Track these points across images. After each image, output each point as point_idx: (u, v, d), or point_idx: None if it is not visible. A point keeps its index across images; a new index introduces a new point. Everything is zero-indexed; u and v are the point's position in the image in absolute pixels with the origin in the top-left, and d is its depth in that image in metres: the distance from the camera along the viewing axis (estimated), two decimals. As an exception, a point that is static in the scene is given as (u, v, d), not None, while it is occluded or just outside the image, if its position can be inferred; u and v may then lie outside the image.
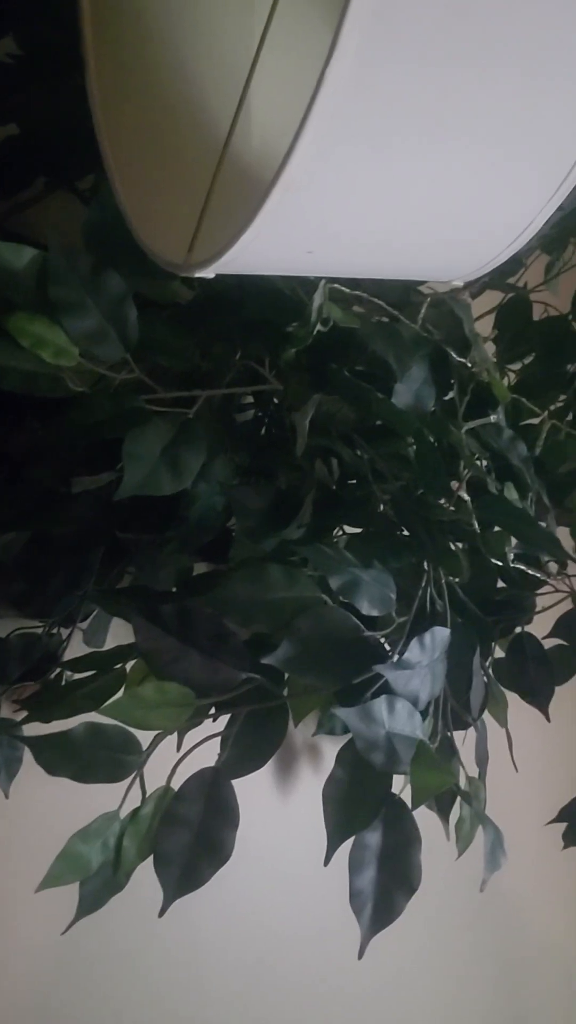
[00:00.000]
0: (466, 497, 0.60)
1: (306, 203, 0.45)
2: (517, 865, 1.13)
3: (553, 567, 0.76)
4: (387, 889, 0.48)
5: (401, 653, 0.51)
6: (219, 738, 0.56)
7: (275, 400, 0.68)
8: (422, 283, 0.76)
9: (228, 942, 0.88)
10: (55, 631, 0.75)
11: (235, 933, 0.88)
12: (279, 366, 0.63)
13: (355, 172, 0.44)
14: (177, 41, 0.59)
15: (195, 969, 0.86)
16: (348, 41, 0.39)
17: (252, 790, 0.93)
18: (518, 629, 0.77)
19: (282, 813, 0.90)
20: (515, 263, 0.89)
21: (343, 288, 0.66)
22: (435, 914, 1.05)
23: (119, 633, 0.77)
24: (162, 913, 0.49)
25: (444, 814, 0.60)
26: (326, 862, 0.49)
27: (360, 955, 0.47)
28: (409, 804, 0.50)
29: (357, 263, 0.54)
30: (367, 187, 0.45)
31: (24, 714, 0.66)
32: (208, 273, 0.49)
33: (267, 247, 0.47)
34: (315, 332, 0.62)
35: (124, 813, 0.50)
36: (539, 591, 0.78)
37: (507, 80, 0.44)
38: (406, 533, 0.66)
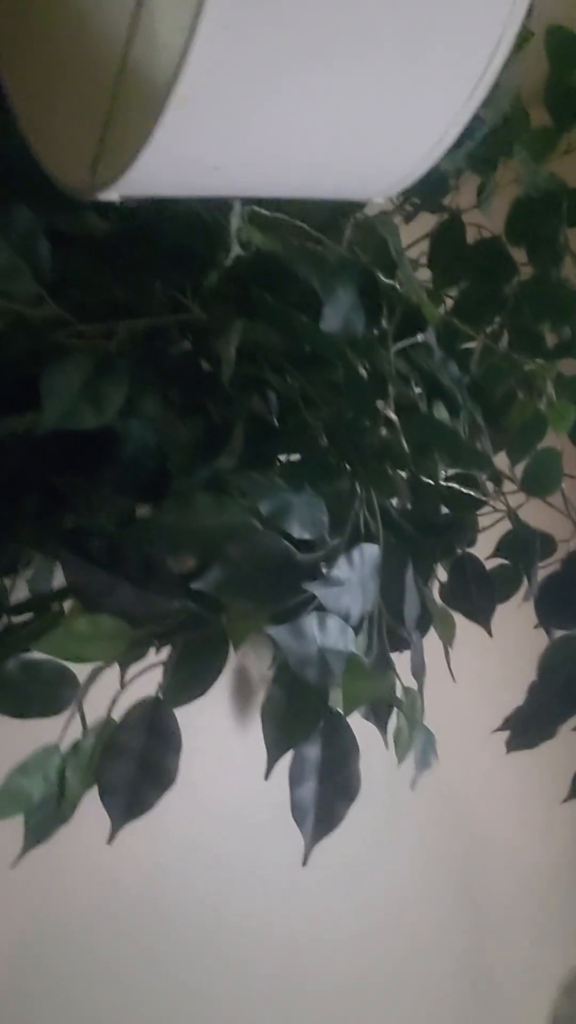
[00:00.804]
0: (394, 418, 0.60)
1: (204, 117, 0.44)
2: (464, 773, 1.17)
3: (490, 487, 0.77)
4: (328, 799, 0.50)
5: (331, 570, 0.51)
6: (162, 669, 0.56)
7: (203, 331, 0.67)
8: (347, 206, 0.75)
9: (185, 870, 0.90)
10: (-1, 580, 0.75)
11: (192, 860, 0.90)
12: (202, 294, 0.62)
13: (252, 83, 0.43)
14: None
15: (152, 898, 0.88)
16: None
17: (211, 725, 0.94)
18: (460, 551, 0.78)
19: (241, 746, 0.92)
20: (444, 184, 0.88)
21: (264, 212, 0.65)
22: (386, 825, 1.08)
23: (63, 578, 0.77)
24: (111, 839, 0.50)
25: (382, 724, 0.61)
26: (266, 776, 0.50)
27: (304, 861, 0.49)
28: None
29: (268, 181, 0.53)
30: (266, 98, 0.44)
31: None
32: (113, 195, 0.48)
33: (170, 164, 0.46)
34: (235, 256, 0.61)
35: (66, 746, 0.51)
36: (479, 512, 0.79)
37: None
38: (341, 459, 0.67)
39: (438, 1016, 1.20)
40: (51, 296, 0.56)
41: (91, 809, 0.53)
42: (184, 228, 0.62)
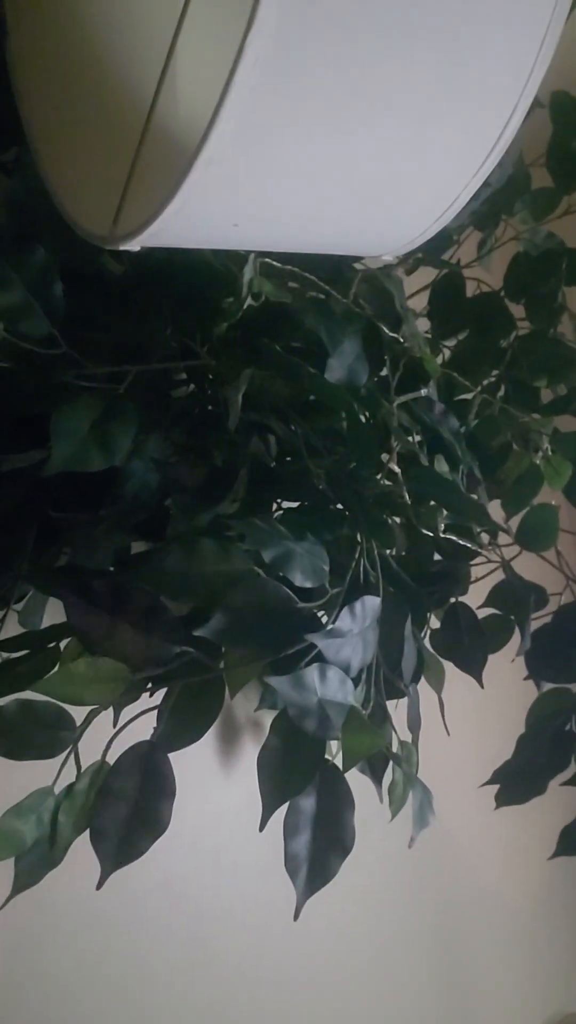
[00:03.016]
0: (397, 470, 0.60)
1: (228, 177, 0.45)
2: (453, 826, 1.17)
3: (485, 538, 0.78)
4: (321, 851, 0.50)
5: (333, 622, 0.52)
6: (156, 712, 0.56)
7: (209, 376, 0.68)
8: (355, 259, 0.77)
9: (169, 913, 0.89)
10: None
11: (176, 904, 0.89)
12: (211, 341, 0.63)
13: (276, 146, 0.45)
14: (100, 10, 0.58)
15: (136, 941, 0.86)
16: (267, 15, 0.39)
17: (195, 765, 0.93)
18: (453, 600, 0.79)
19: (225, 787, 0.91)
20: (447, 239, 0.90)
21: (274, 262, 0.66)
22: (374, 877, 1.07)
23: (55, 613, 0.76)
24: (100, 885, 0.49)
25: (377, 778, 0.61)
26: (261, 827, 0.50)
27: (296, 916, 0.49)
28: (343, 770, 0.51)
29: (284, 237, 0.54)
30: (289, 161, 0.46)
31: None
32: (133, 246, 0.49)
33: (191, 220, 0.47)
34: (246, 306, 0.62)
35: (60, 789, 0.50)
36: (473, 562, 0.80)
37: (426, 57, 0.45)
38: (341, 507, 0.67)
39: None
40: (62, 336, 0.57)
41: (77, 848, 0.52)
42: (197, 276, 0.63)
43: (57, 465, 0.52)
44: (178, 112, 0.54)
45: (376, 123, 0.47)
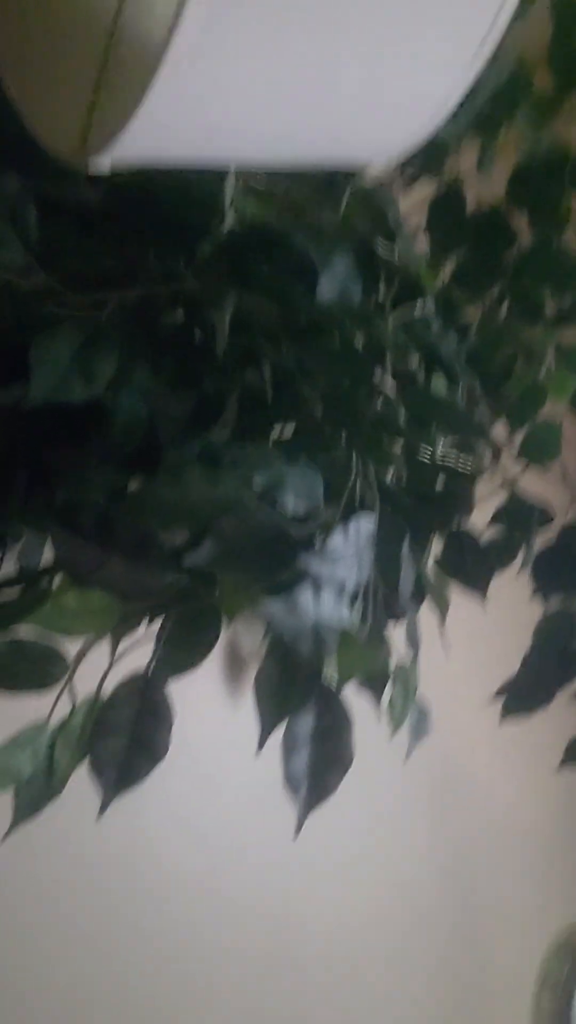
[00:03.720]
0: (391, 390, 0.59)
1: (196, 81, 0.42)
2: (462, 741, 1.18)
3: (487, 457, 0.76)
4: (320, 769, 0.50)
5: (325, 544, 0.51)
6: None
7: (196, 301, 0.66)
8: (344, 174, 0.74)
9: (176, 843, 0.91)
10: (-14, 555, 0.75)
11: (183, 834, 0.91)
12: (195, 265, 0.61)
13: (245, 45, 0.42)
14: None
15: (141, 873, 0.89)
16: None
17: (202, 697, 0.95)
18: (457, 521, 0.78)
19: (233, 718, 0.92)
20: (443, 149, 0.86)
21: (259, 182, 0.63)
22: (383, 795, 1.09)
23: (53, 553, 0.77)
24: (100, 814, 0.50)
25: (376, 696, 0.61)
26: (259, 748, 0.50)
27: (296, 833, 0.49)
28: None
29: (263, 148, 0.51)
30: (259, 61, 0.43)
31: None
32: (104, 162, 0.47)
33: (161, 130, 0.45)
34: (231, 227, 0.60)
35: (56, 722, 0.51)
36: (478, 482, 0.79)
37: None
38: (337, 431, 0.66)
39: (433, 976, 1.22)
40: (41, 266, 0.55)
41: (79, 780, 0.53)
42: (177, 198, 0.61)
43: (39, 395, 0.51)
44: (144, 17, 0.51)
45: (355, 17, 0.45)
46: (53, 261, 0.57)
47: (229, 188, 0.56)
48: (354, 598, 0.53)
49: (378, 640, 0.57)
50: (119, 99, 0.48)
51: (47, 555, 0.77)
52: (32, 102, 0.54)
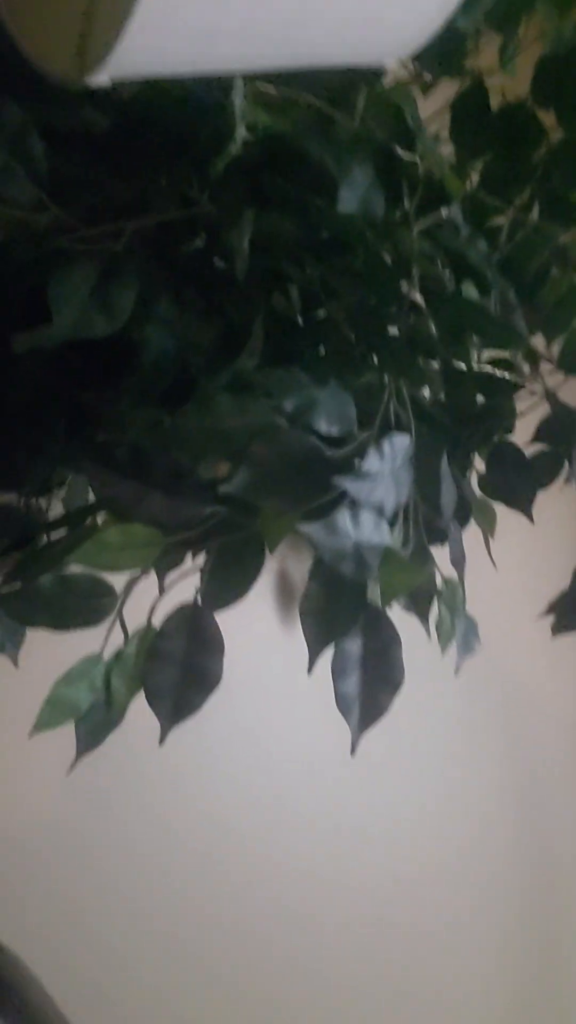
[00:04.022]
0: (420, 301, 0.57)
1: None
2: (513, 657, 1.18)
3: (526, 369, 0.74)
4: (372, 689, 0.50)
5: (361, 464, 0.50)
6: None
7: (214, 226, 0.64)
8: (359, 78, 0.70)
9: (244, 767, 0.93)
10: (33, 501, 0.75)
11: (252, 756, 0.93)
12: (210, 186, 0.59)
13: None
14: None
15: (204, 797, 0.91)
16: None
17: (256, 627, 0.95)
18: (498, 438, 0.76)
19: (288, 645, 0.93)
20: (461, 44, 0.81)
21: (269, 89, 0.61)
22: (439, 714, 1.10)
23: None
24: (162, 741, 0.51)
25: (423, 615, 0.61)
26: (309, 670, 0.51)
27: (352, 751, 0.50)
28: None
29: (266, 48, 0.49)
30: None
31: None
32: (103, 78, 0.45)
33: (159, 35, 0.42)
34: (242, 141, 0.57)
35: (109, 655, 0.51)
36: (517, 396, 0.76)
37: None
38: (368, 351, 0.64)
39: (500, 896, 1.24)
40: (52, 200, 0.54)
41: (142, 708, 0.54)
42: (186, 115, 0.58)
43: (60, 333, 0.50)
44: None
45: None
46: (64, 195, 0.56)
47: (237, 98, 0.53)
48: (395, 519, 0.53)
49: (422, 559, 0.56)
50: (113, 7, 0.46)
51: (91, 498, 0.77)
52: (25, 23, 0.52)
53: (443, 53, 0.78)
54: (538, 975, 1.26)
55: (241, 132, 0.55)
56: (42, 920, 0.83)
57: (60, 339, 0.50)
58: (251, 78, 0.59)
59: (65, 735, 0.54)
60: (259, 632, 0.93)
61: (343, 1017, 1.06)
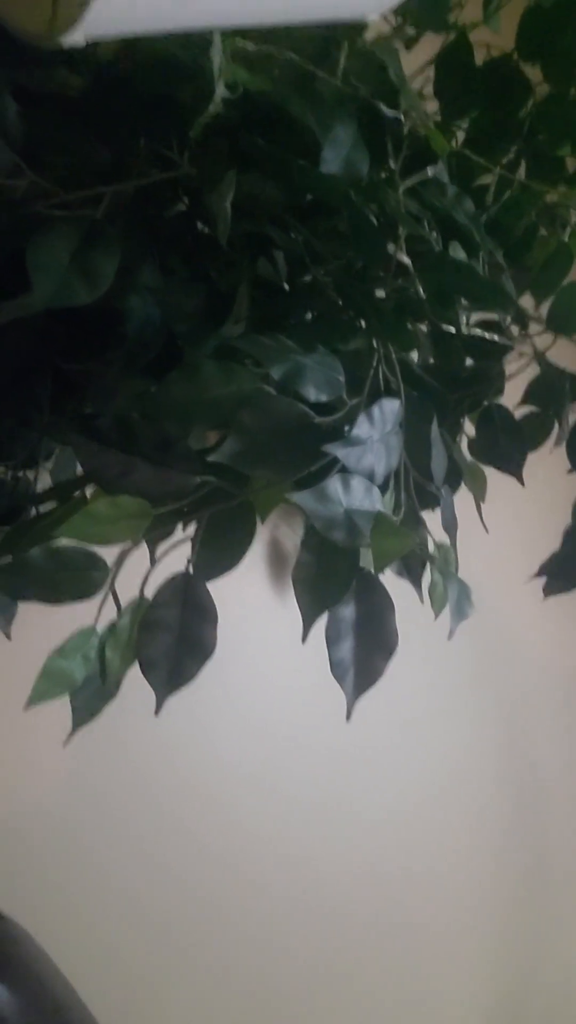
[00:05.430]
0: (407, 262, 0.56)
1: None
2: (506, 620, 1.19)
3: (515, 331, 0.73)
4: (366, 654, 0.50)
5: (350, 430, 0.50)
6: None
7: (195, 189, 0.63)
8: (341, 34, 0.68)
9: (238, 739, 0.93)
10: (21, 474, 0.74)
11: (238, 726, 0.93)
12: (189, 148, 0.58)
13: None
14: None
15: (197, 767, 0.91)
16: None
17: (249, 595, 0.96)
18: (487, 402, 0.76)
19: (280, 614, 0.93)
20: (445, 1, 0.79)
21: (249, 45, 0.59)
22: (435, 676, 1.11)
23: (84, 465, 0.76)
24: (157, 711, 0.51)
25: (416, 580, 0.61)
26: (303, 639, 0.50)
27: (347, 717, 0.50)
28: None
29: (248, 3, 0.47)
30: None
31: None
32: (78, 37, 0.43)
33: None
34: (221, 101, 0.56)
35: (103, 627, 0.51)
36: (506, 359, 0.76)
37: None
38: (355, 316, 0.63)
39: (494, 855, 1.26)
40: (28, 165, 0.52)
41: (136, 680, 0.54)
42: (163, 75, 0.57)
43: (41, 301, 0.49)
44: None
45: None
46: (40, 159, 0.54)
47: (216, 56, 0.52)
48: (386, 485, 0.52)
49: (413, 524, 0.56)
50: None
51: (79, 470, 0.77)
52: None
53: (425, 6, 0.76)
54: (533, 942, 1.28)
55: (220, 91, 0.54)
56: (36, 895, 0.84)
57: (41, 307, 0.49)
58: (230, 35, 0.57)
59: (59, 708, 0.54)
60: (252, 600, 0.93)
61: (339, 996, 1.08)
